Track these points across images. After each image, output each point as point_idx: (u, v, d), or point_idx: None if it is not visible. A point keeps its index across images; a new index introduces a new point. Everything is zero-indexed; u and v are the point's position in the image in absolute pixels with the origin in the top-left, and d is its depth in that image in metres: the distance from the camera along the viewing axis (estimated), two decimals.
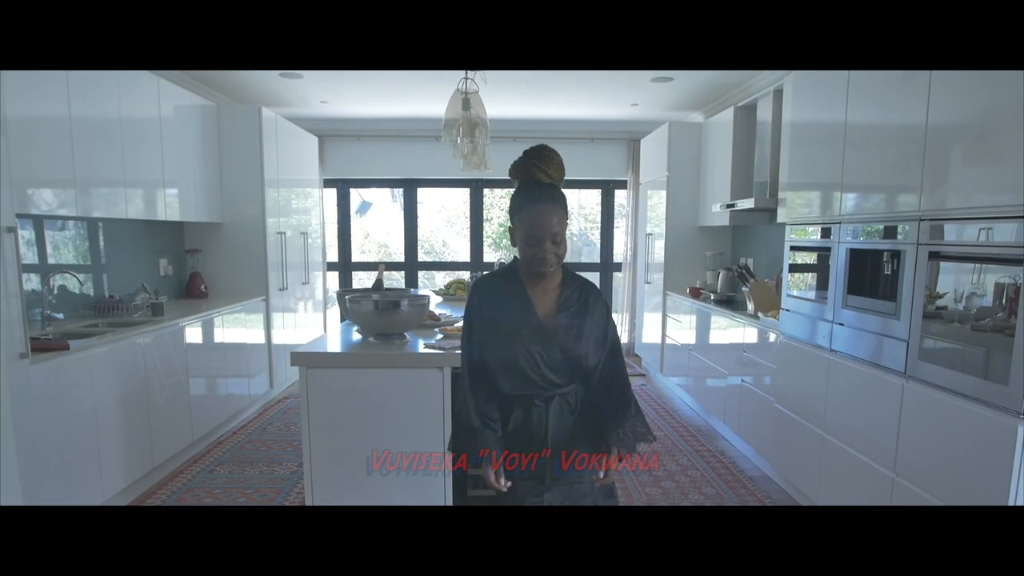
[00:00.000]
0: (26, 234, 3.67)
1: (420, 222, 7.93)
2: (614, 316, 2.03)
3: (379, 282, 4.58)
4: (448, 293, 5.13)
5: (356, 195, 7.89)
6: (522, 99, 6.14)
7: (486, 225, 8.06)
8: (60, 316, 3.82)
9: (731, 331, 4.65)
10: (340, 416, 2.87)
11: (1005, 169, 2.20)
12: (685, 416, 5.44)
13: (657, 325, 6.57)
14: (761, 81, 5.18)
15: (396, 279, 7.83)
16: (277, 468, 4.17)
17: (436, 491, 2.92)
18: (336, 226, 7.76)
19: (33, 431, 2.68)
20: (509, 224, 1.91)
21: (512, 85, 5.53)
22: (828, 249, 3.29)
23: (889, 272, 2.84)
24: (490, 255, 8.03)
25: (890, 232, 2.83)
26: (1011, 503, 2.13)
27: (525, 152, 1.91)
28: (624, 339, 7.50)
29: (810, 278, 3.55)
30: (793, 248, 3.69)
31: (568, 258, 1.94)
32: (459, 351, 2.76)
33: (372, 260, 8.06)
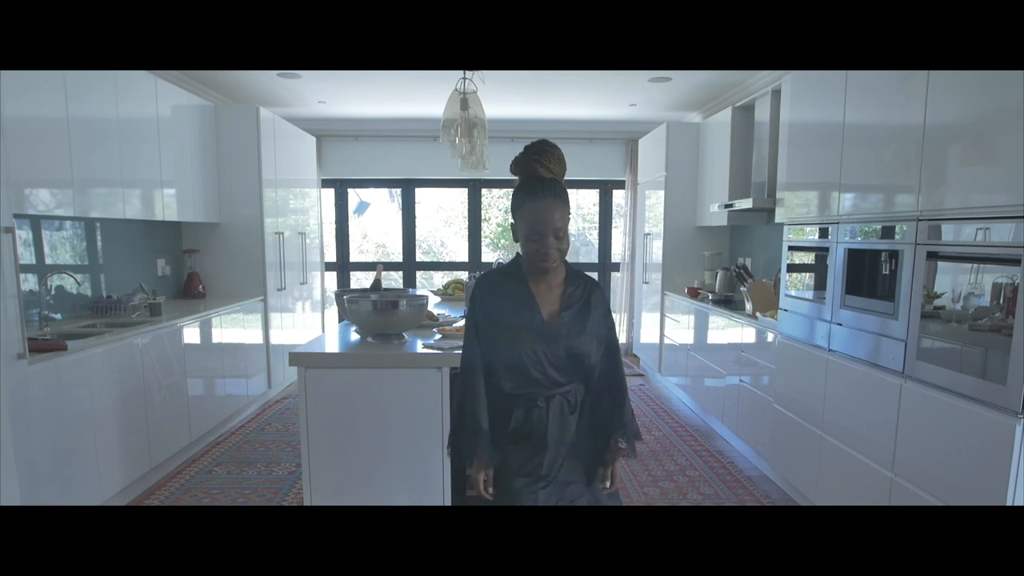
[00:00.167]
0: (23, 234, 3.66)
1: (418, 222, 7.92)
2: (612, 316, 2.03)
3: (377, 282, 4.58)
4: (446, 293, 5.13)
5: (354, 195, 7.89)
6: (520, 99, 6.14)
7: (484, 225, 8.06)
8: (58, 316, 3.81)
9: (729, 331, 4.65)
10: (339, 416, 2.87)
11: (1002, 169, 2.20)
12: (683, 416, 5.44)
13: (655, 325, 6.58)
14: (759, 81, 5.19)
15: (394, 279, 7.83)
16: (275, 468, 4.17)
17: (435, 491, 2.92)
18: (334, 226, 7.75)
19: (31, 432, 2.67)
20: (511, 221, 1.90)
21: (510, 85, 5.53)
22: (826, 249, 3.29)
23: (887, 272, 2.84)
24: (488, 255, 8.03)
25: (888, 232, 2.83)
26: (1009, 503, 2.14)
27: (526, 148, 1.91)
28: (622, 339, 7.50)
29: (808, 278, 3.56)
30: (791, 248, 3.70)
31: (567, 257, 1.94)
32: (457, 351, 2.77)
33: (370, 260, 8.05)
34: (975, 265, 2.36)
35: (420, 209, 7.94)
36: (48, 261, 3.88)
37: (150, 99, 4.35)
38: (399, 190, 7.82)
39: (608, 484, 2.02)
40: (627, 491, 3.85)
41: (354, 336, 3.28)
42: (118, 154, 3.95)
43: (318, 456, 2.90)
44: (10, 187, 2.80)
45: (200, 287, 5.39)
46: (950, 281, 2.50)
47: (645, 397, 6.03)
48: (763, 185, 4.76)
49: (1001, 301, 2.22)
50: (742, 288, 4.62)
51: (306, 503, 2.95)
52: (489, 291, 1.93)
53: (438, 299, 4.97)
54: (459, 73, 4.01)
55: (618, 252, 7.89)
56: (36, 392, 2.80)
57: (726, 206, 5.16)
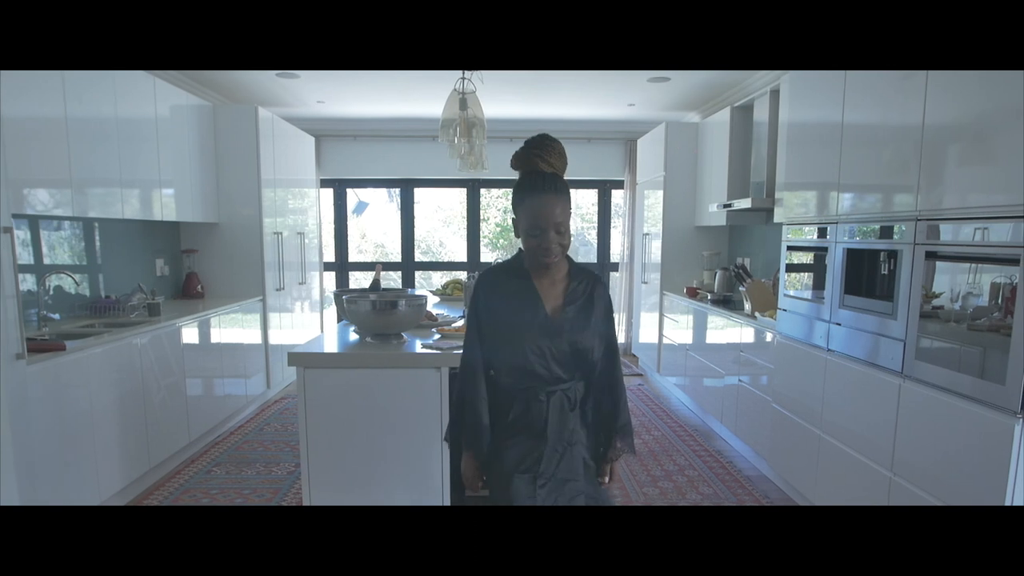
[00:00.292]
0: (21, 234, 3.66)
1: (417, 222, 7.93)
2: (614, 315, 2.03)
3: (376, 282, 4.58)
4: (445, 293, 5.13)
5: (352, 195, 7.89)
6: (519, 99, 6.14)
7: (483, 225, 8.06)
8: (56, 316, 3.81)
9: (728, 331, 4.65)
10: (338, 416, 2.87)
11: (1001, 169, 2.21)
12: (682, 416, 5.44)
13: (654, 325, 6.58)
14: (758, 81, 5.19)
15: (393, 279, 7.83)
16: (274, 468, 4.17)
17: (434, 491, 2.92)
18: (333, 226, 7.75)
19: (30, 432, 2.67)
20: (512, 216, 1.90)
21: (509, 85, 5.53)
22: (825, 249, 3.30)
23: (886, 272, 2.85)
24: (487, 255, 8.03)
25: (886, 232, 2.84)
26: (1008, 502, 2.14)
27: (526, 142, 1.90)
28: (621, 339, 7.50)
29: (807, 278, 3.56)
30: (790, 248, 3.70)
31: (569, 255, 1.94)
32: (456, 351, 2.77)
33: (369, 260, 8.05)
34: (973, 265, 2.36)
35: (419, 209, 7.94)
36: (47, 261, 3.87)
37: (148, 99, 4.35)
38: (398, 190, 7.82)
39: (607, 480, 2.05)
40: (626, 491, 3.85)
41: (353, 336, 3.28)
42: (117, 154, 3.95)
43: (317, 456, 2.90)
44: (9, 187, 2.79)
45: (199, 287, 5.39)
46: (948, 281, 2.50)
47: (644, 397, 6.03)
48: (762, 185, 4.76)
49: (1000, 301, 2.22)
50: (741, 288, 4.62)
51: (305, 503, 2.94)
52: (491, 287, 1.93)
53: (437, 299, 4.97)
54: (458, 73, 4.01)
55: (617, 252, 7.89)
56: (35, 392, 2.80)
57: (725, 206, 5.16)
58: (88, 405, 3.25)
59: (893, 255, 2.78)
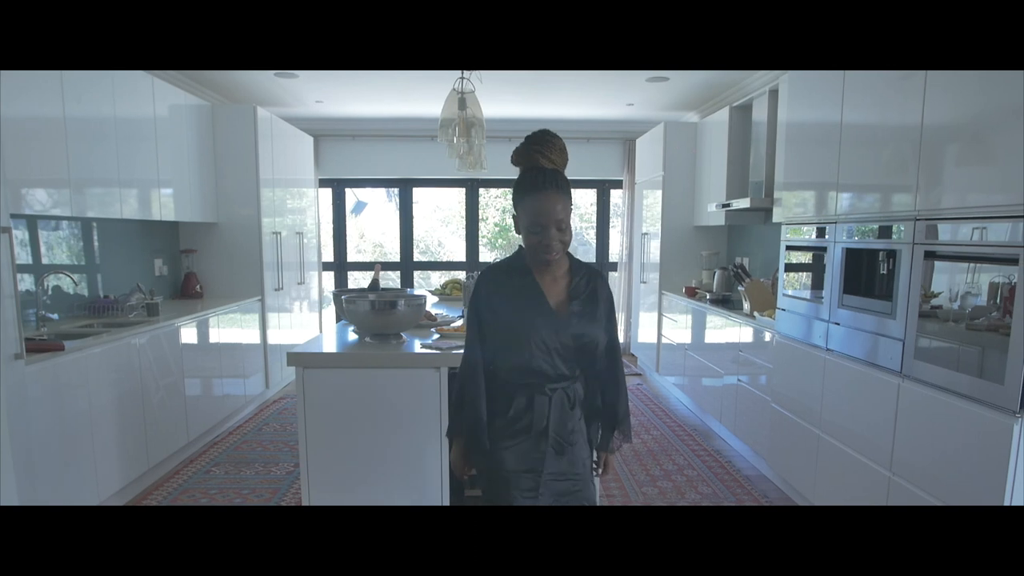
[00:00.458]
0: (19, 234, 3.65)
1: (415, 222, 7.92)
2: (615, 310, 2.03)
3: (375, 282, 4.58)
4: (444, 293, 5.13)
5: (351, 195, 7.89)
6: (518, 98, 6.14)
7: (481, 225, 8.05)
8: (55, 316, 3.80)
9: (727, 331, 4.66)
10: (337, 416, 2.87)
11: (999, 169, 2.21)
12: (681, 415, 5.44)
13: (653, 325, 6.58)
14: (756, 81, 5.19)
15: (392, 279, 7.83)
16: (273, 468, 4.16)
17: (433, 491, 2.92)
18: (332, 226, 7.75)
19: (28, 432, 2.66)
20: (512, 213, 1.89)
21: (508, 84, 5.53)
22: (824, 248, 3.30)
23: (885, 272, 2.85)
24: (486, 255, 8.03)
25: (885, 232, 2.84)
26: (1007, 502, 2.14)
27: (527, 138, 1.90)
28: (621, 338, 7.49)
29: (806, 277, 3.56)
30: (789, 248, 3.70)
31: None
32: (456, 351, 2.77)
33: (368, 260, 8.05)
34: (972, 264, 2.37)
35: (417, 209, 7.94)
36: (45, 261, 3.87)
37: (147, 99, 4.34)
38: (396, 190, 7.82)
39: (601, 471, 2.06)
40: (625, 491, 3.85)
41: (352, 336, 3.28)
42: (115, 154, 3.94)
43: (316, 456, 2.90)
44: (7, 187, 2.79)
45: (197, 287, 5.38)
46: (947, 280, 2.50)
47: (643, 397, 6.03)
48: (760, 185, 4.76)
49: (998, 300, 2.22)
50: (740, 288, 4.63)
51: (304, 503, 2.94)
52: (493, 286, 1.91)
53: (436, 299, 4.97)
54: (457, 73, 4.01)
55: (615, 252, 7.89)
56: (33, 392, 2.79)
57: (723, 206, 5.16)
58: (87, 405, 3.25)
59: (892, 255, 2.78)
